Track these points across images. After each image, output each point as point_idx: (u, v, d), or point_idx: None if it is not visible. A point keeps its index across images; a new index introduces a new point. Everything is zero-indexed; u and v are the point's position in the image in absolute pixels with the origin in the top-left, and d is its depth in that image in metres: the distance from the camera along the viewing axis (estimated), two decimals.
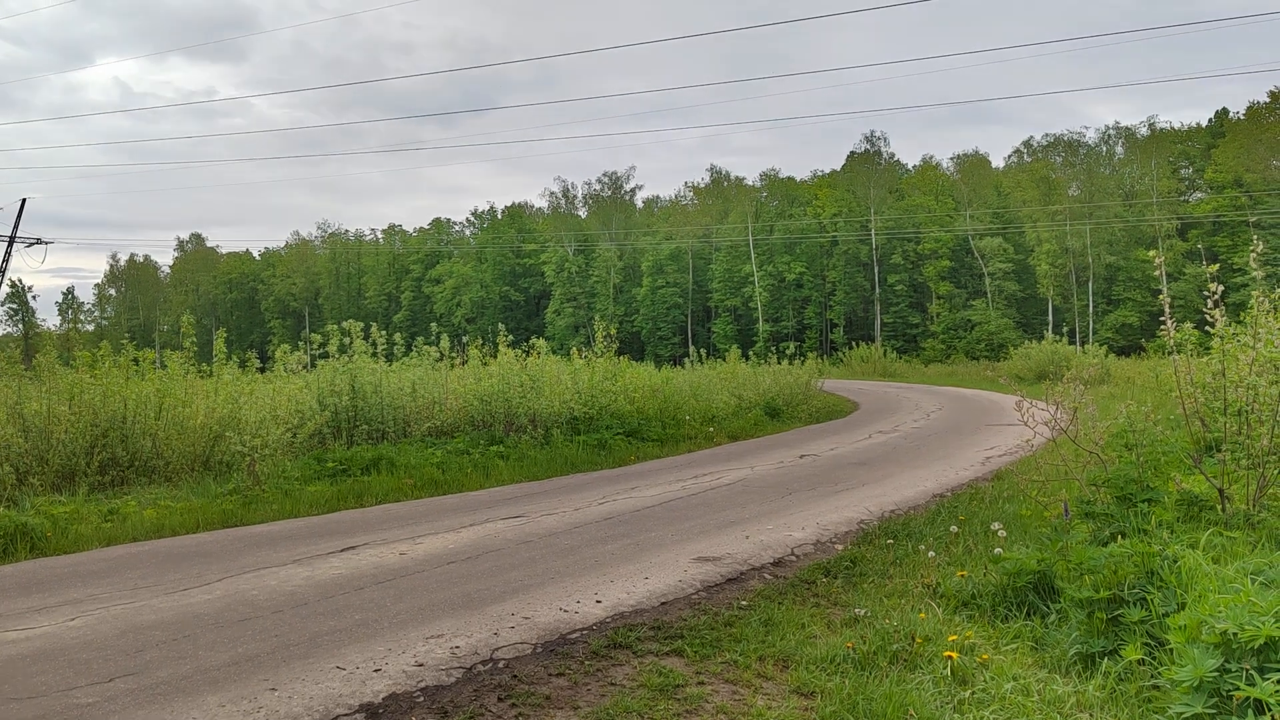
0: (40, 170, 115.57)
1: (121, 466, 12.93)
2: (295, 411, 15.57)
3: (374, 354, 17.54)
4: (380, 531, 9.71)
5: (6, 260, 67.76)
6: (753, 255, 76.36)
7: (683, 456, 16.49)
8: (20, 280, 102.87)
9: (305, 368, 18.17)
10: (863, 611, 6.52)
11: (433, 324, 23.04)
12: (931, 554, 7.89)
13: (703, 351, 29.51)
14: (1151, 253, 8.68)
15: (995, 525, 7.93)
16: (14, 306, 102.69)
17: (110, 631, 6.22)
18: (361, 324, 17.81)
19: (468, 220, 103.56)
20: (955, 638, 5.65)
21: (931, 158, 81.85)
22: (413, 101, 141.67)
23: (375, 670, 5.46)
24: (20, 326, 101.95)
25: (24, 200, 65.91)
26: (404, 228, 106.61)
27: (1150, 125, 67.65)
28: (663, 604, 6.96)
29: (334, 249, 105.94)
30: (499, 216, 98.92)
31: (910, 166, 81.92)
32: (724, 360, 30.88)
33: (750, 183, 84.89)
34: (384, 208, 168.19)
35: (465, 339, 21.42)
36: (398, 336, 19.11)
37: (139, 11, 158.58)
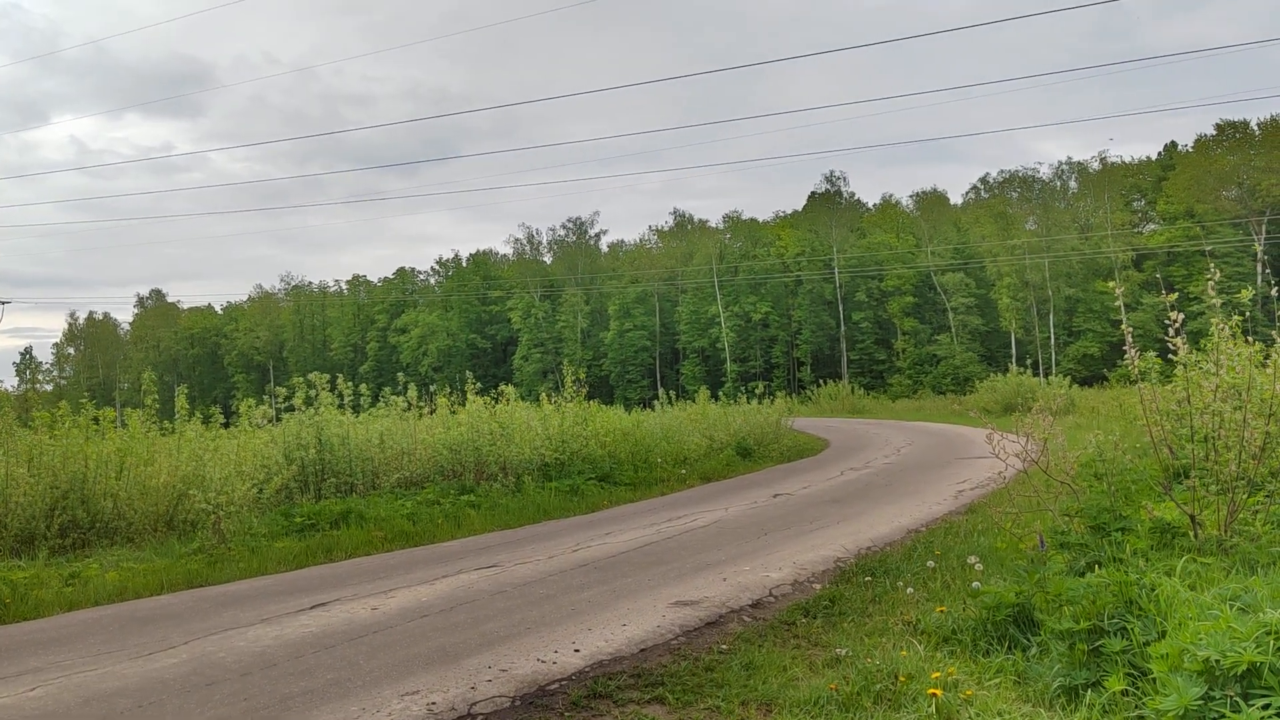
0: None
1: (82, 528, 12.62)
2: (261, 466, 15.30)
3: (341, 406, 17.34)
4: (351, 586, 9.52)
5: None
6: (718, 296, 76.83)
7: (656, 500, 16.40)
8: None
9: (271, 421, 17.91)
10: (844, 651, 6.46)
11: (399, 374, 22.88)
12: (910, 590, 7.86)
13: (672, 393, 29.49)
14: (1111, 284, 8.80)
15: (972, 559, 7.92)
16: None
17: (73, 701, 6.01)
18: (327, 376, 17.62)
19: (432, 269, 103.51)
20: (939, 675, 5.60)
21: (891, 196, 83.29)
22: (374, 152, 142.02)
23: None
24: None
25: None
26: (368, 278, 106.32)
27: (1101, 159, 69.27)
28: (642, 651, 6.86)
29: (298, 301, 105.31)
30: (464, 264, 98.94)
31: (871, 205, 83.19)
32: (694, 401, 30.86)
33: (714, 225, 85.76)
34: (348, 258, 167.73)
35: (433, 388, 21.23)
36: (364, 387, 18.92)
37: (94, 69, 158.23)
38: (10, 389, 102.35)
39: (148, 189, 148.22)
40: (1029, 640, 6.33)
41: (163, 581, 10.17)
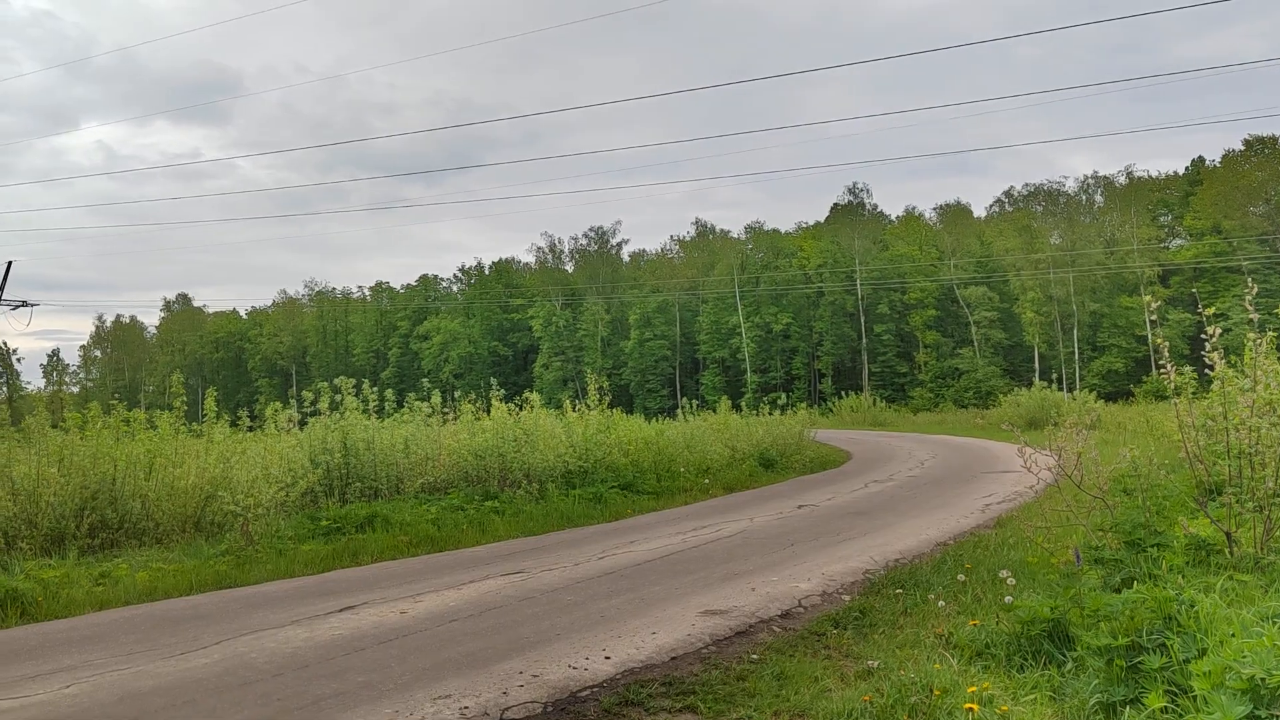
0: (25, 234, 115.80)
1: (111, 529, 12.72)
2: (287, 470, 15.37)
3: (365, 411, 17.42)
4: (378, 590, 9.55)
5: None
6: (739, 307, 76.73)
7: (679, 509, 16.37)
8: (5, 343, 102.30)
9: (296, 425, 18.00)
10: (876, 663, 6.42)
11: (423, 379, 22.98)
12: (941, 603, 7.80)
13: (694, 403, 29.45)
14: (1147, 298, 8.73)
15: (1004, 573, 7.85)
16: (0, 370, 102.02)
17: (107, 699, 6.06)
18: (353, 381, 17.71)
19: (455, 276, 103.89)
20: (974, 689, 5.55)
21: (914, 208, 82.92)
22: (398, 160, 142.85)
23: None
24: (5, 389, 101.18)
25: (9, 263, 65.59)
26: (391, 285, 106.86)
27: (1128, 174, 68.78)
28: (672, 659, 6.84)
29: (321, 307, 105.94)
30: (486, 272, 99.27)
31: (893, 217, 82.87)
32: (714, 412, 30.82)
33: (735, 235, 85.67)
34: (371, 265, 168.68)
35: (457, 394, 21.31)
36: (388, 393, 18.99)
37: (123, 76, 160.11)
38: (38, 390, 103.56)
39: (175, 195, 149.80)
40: (1064, 656, 6.26)
41: (192, 582, 10.23)
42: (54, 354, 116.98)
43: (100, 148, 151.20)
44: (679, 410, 29.27)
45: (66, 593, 9.59)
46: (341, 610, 8.59)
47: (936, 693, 5.63)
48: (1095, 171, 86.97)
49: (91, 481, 12.79)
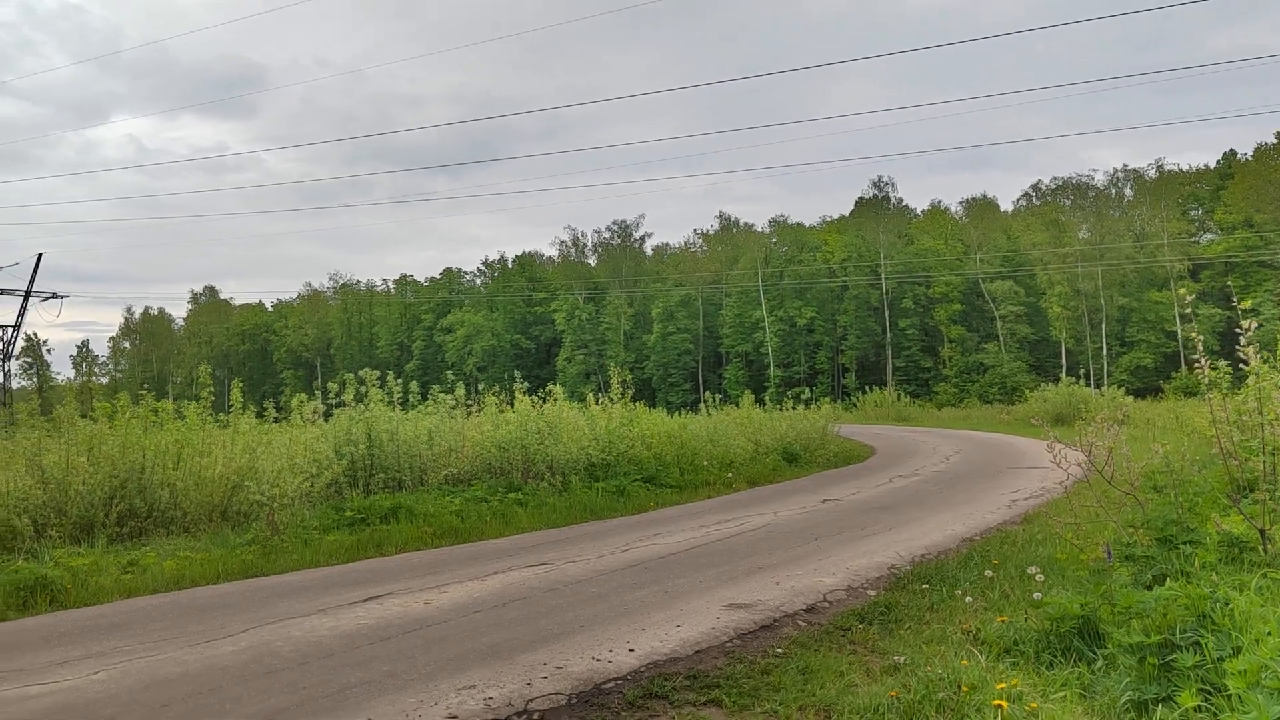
0: (55, 226, 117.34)
1: (140, 517, 12.83)
2: (312, 461, 15.46)
3: (389, 402, 17.47)
4: (403, 580, 9.57)
5: (22, 314, 68.31)
6: (763, 301, 76.51)
7: (703, 503, 16.33)
8: (36, 334, 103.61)
9: (321, 417, 18.09)
10: (902, 659, 6.36)
11: (447, 372, 23.00)
12: (969, 599, 7.73)
13: (717, 397, 29.35)
14: (1181, 290, 8.60)
15: (1032, 569, 7.76)
16: (29, 360, 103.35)
17: (135, 685, 6.10)
18: (377, 372, 17.78)
19: (478, 270, 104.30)
20: (1003, 686, 5.49)
21: (940, 202, 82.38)
22: (421, 154, 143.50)
23: None
24: (35, 380, 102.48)
25: (40, 255, 66.46)
26: (415, 278, 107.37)
27: (1158, 167, 67.96)
28: (696, 652, 6.81)
29: (345, 300, 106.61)
30: (509, 266, 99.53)
31: (919, 211, 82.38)
32: (737, 405, 30.73)
33: (759, 229, 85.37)
34: (395, 258, 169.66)
35: (480, 387, 21.33)
36: (412, 385, 19.05)
37: (152, 71, 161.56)
38: (67, 380, 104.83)
39: (202, 188, 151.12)
40: (1094, 653, 6.18)
41: (219, 571, 10.30)
42: (83, 345, 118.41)
43: (130, 141, 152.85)
44: (702, 404, 29.21)
45: (95, 580, 9.68)
46: (366, 600, 8.62)
47: (965, 689, 5.56)
48: (1124, 165, 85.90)
49: (120, 471, 12.90)
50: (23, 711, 5.57)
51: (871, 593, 8.62)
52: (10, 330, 69.04)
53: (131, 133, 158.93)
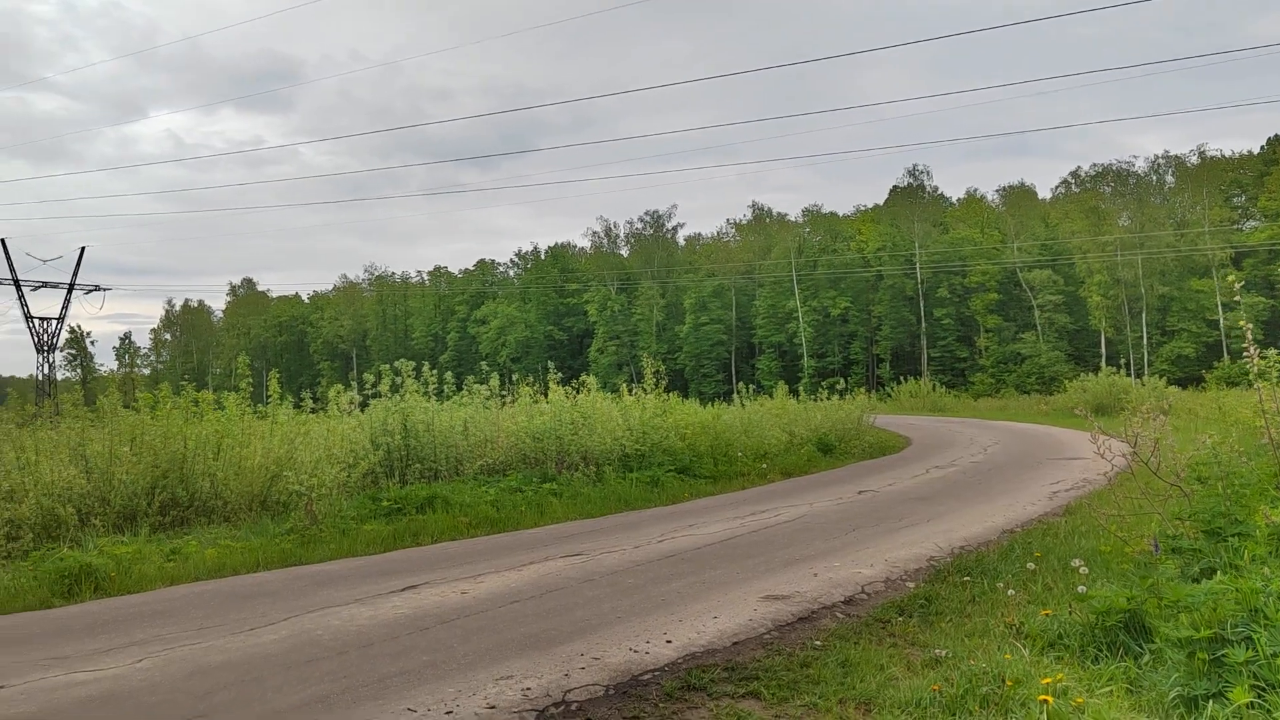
0: (97, 220, 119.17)
1: (182, 506, 12.99)
2: (349, 451, 15.58)
3: (425, 393, 17.55)
4: (440, 570, 9.61)
5: (66, 307, 69.42)
6: (796, 291, 76.10)
7: (737, 493, 16.27)
8: (79, 326, 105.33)
9: (357, 408, 18.22)
10: (944, 652, 6.28)
11: (481, 363, 23.05)
12: (1011, 592, 7.62)
13: (750, 388, 29.24)
14: (1230, 277, 8.41)
15: (1075, 562, 7.64)
16: (73, 352, 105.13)
17: (178, 673, 6.16)
18: (412, 363, 17.87)
19: (511, 261, 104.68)
20: (1049, 680, 5.40)
21: (976, 190, 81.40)
22: (453, 146, 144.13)
23: (447, 713, 5.33)
24: (79, 371, 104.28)
25: (82, 249, 67.50)
26: (449, 269, 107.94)
27: (1200, 153, 66.68)
28: (734, 644, 6.77)
29: (381, 292, 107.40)
30: (542, 257, 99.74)
31: (954, 199, 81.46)
32: (770, 396, 30.60)
33: (793, 219, 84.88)
34: (429, 250, 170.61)
35: (514, 378, 21.38)
36: (447, 376, 19.13)
37: (190, 66, 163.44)
38: (110, 372, 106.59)
39: (239, 181, 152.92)
40: (1141, 648, 6.07)
41: (259, 559, 10.40)
42: (125, 337, 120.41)
43: (168, 136, 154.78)
44: (735, 395, 29.10)
45: (138, 568, 9.80)
46: (404, 590, 8.66)
47: (1009, 683, 5.48)
48: (1166, 151, 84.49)
49: (162, 460, 13.05)
50: (68, 699, 5.65)
51: (910, 585, 8.53)
52: (54, 323, 70.23)
53: (170, 127, 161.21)
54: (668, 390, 22.42)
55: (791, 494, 15.63)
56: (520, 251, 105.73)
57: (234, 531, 12.18)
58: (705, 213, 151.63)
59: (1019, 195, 77.39)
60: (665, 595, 8.21)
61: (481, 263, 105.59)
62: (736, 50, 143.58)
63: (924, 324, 72.35)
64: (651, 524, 12.65)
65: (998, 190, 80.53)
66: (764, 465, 19.66)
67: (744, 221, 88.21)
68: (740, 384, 30.31)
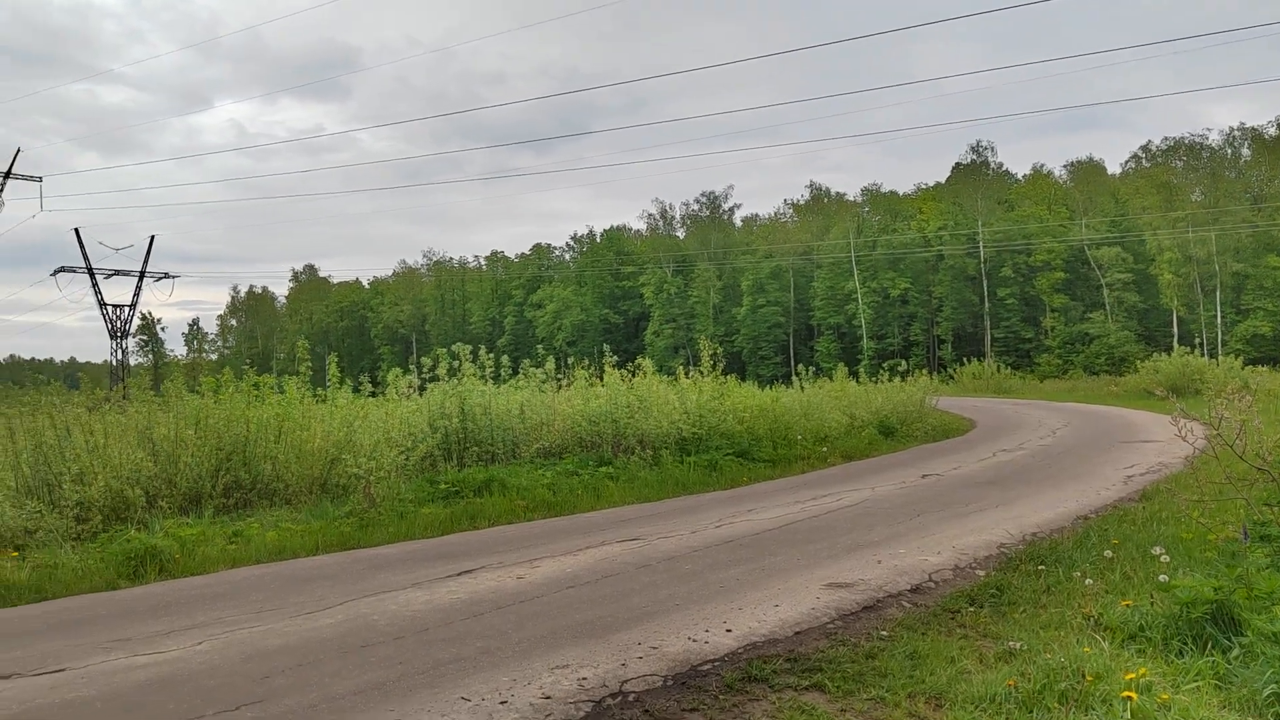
0: (165, 208, 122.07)
1: (244, 489, 13.11)
2: (407, 434, 15.63)
3: (482, 377, 17.55)
4: (496, 554, 9.54)
5: (137, 294, 71.15)
6: (855, 271, 75.08)
7: (797, 477, 16.01)
8: (150, 313, 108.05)
9: (416, 391, 18.29)
10: (1018, 644, 6.02)
11: (538, 346, 23.00)
12: (1088, 581, 7.29)
13: (809, 370, 28.83)
14: None
15: (1157, 549, 7.30)
16: (145, 338, 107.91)
17: (236, 656, 6.15)
18: (469, 347, 17.88)
19: (567, 245, 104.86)
20: (1132, 675, 5.11)
21: (1042, 166, 79.37)
22: (509, 130, 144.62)
23: (502, 702, 5.22)
24: (151, 356, 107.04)
25: (152, 237, 69.15)
26: (506, 254, 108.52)
27: (1279, 125, 64.16)
28: (796, 633, 6.56)
29: (439, 276, 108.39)
30: (598, 240, 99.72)
31: (1019, 176, 79.58)
32: (830, 379, 30.17)
33: (851, 198, 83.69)
34: (486, 235, 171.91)
35: (570, 361, 21.30)
36: (504, 359, 19.11)
37: (252, 56, 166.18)
38: (180, 357, 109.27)
39: (300, 169, 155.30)
40: (1230, 641, 5.74)
41: (318, 542, 10.44)
42: (194, 323, 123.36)
43: (232, 125, 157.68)
44: (793, 377, 28.73)
45: (202, 550, 9.90)
46: (460, 574, 8.60)
47: (1089, 678, 5.21)
48: (1241, 123, 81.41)
49: (226, 443, 13.18)
50: (128, 682, 5.65)
51: (981, 573, 8.24)
52: (126, 309, 72.01)
53: (234, 117, 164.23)
54: (725, 373, 22.18)
55: (853, 478, 15.32)
56: (576, 235, 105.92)
57: (294, 514, 12.27)
58: (762, 193, 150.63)
59: (1087, 170, 75.34)
60: (724, 582, 8.02)
61: (538, 247, 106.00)
62: (790, 28, 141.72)
63: (987, 304, 70.90)
64: (709, 508, 12.47)
65: (1065, 166, 78.58)
66: (824, 449, 19.35)
67: (801, 202, 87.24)
68: (799, 366, 29.92)
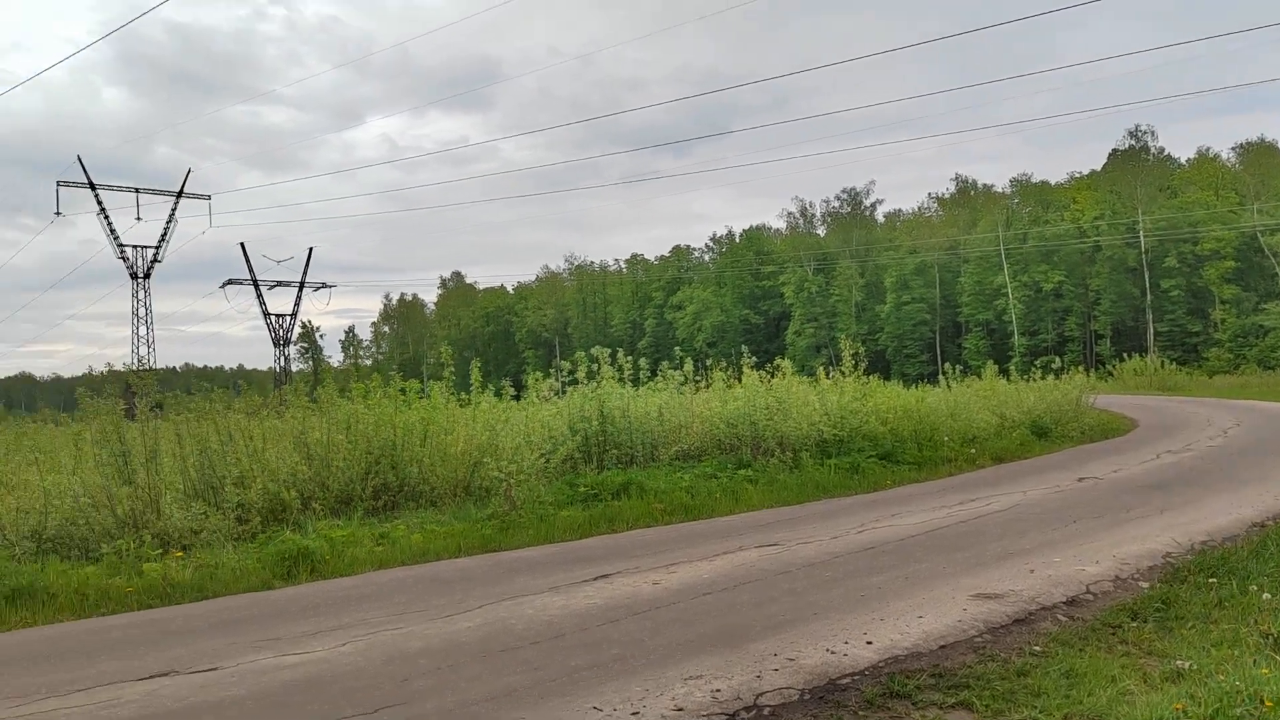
0: (322, 222, 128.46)
1: (392, 491, 13.54)
2: (548, 437, 15.86)
3: (620, 379, 17.65)
4: (633, 559, 9.53)
5: (298, 304, 75.04)
6: (1005, 265, 72.22)
7: (943, 480, 15.44)
8: (309, 321, 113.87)
9: (556, 394, 18.55)
10: (1187, 664, 5.57)
11: (677, 348, 22.97)
12: (1266, 596, 6.71)
13: (957, 368, 27.84)
14: None
15: None
16: (305, 345, 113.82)
17: (378, 658, 6.31)
18: (608, 350, 18.01)
19: (706, 246, 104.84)
20: None
21: (1208, 149, 74.42)
22: (649, 134, 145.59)
23: (633, 713, 5.16)
24: (310, 363, 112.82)
25: (310, 249, 72.79)
26: (645, 257, 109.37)
27: None
28: (941, 647, 6.27)
29: (580, 281, 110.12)
30: (737, 240, 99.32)
31: (1182, 160, 74.85)
32: (978, 377, 29.03)
33: (999, 190, 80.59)
34: (625, 239, 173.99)
35: (708, 362, 21.17)
36: (643, 361, 19.18)
37: (401, 72, 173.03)
38: (337, 364, 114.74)
39: (446, 180, 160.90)
40: None
41: (460, 545, 10.67)
42: (350, 330, 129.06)
43: (383, 140, 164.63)
44: (940, 376, 27.79)
45: (350, 552, 10.26)
46: (596, 579, 8.61)
47: (1268, 704, 4.77)
48: None
49: (374, 447, 13.65)
50: (275, 683, 5.86)
51: (1144, 585, 7.70)
52: (288, 318, 76.05)
53: (385, 131, 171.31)
54: (867, 373, 21.62)
55: (1003, 481, 14.67)
56: (715, 236, 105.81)
57: (439, 516, 12.58)
58: (905, 188, 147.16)
59: (1259, 152, 70.19)
60: (865, 591, 7.76)
61: (677, 249, 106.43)
62: (931, 18, 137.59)
63: (1149, 296, 66.97)
64: (851, 513, 12.14)
65: (1233, 148, 73.39)
66: (972, 450, 18.62)
67: (947, 195, 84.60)
68: (945, 365, 28.94)
